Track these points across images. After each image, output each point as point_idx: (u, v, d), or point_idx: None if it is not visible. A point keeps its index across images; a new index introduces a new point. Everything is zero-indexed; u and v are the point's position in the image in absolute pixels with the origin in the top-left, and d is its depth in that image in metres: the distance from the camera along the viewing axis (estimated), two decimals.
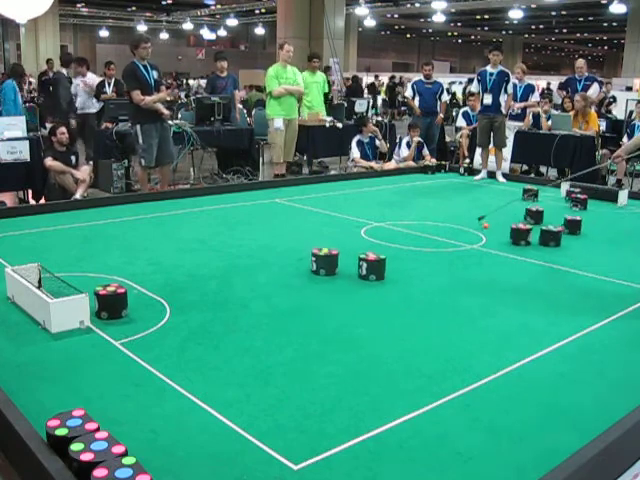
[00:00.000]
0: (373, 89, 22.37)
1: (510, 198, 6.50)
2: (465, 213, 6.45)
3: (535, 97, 10.23)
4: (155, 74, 7.16)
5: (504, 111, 8.40)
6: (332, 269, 4.31)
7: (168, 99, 7.68)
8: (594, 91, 9.67)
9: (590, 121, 9.35)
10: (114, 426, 2.29)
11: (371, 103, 13.51)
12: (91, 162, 7.46)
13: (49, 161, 7.00)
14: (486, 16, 33.48)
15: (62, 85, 10.14)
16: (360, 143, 9.06)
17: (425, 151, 9.48)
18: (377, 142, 9.21)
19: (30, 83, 21.59)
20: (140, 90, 6.95)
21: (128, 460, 2.00)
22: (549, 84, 24.80)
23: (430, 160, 9.35)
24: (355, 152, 9.06)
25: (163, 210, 6.23)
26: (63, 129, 7.21)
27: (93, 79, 10.21)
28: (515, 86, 10.21)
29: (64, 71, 10.70)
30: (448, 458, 2.28)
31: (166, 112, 7.24)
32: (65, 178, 7.01)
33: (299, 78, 8.98)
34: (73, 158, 7.22)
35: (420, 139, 9.43)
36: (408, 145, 9.35)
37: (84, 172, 7.18)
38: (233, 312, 3.63)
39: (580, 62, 10.05)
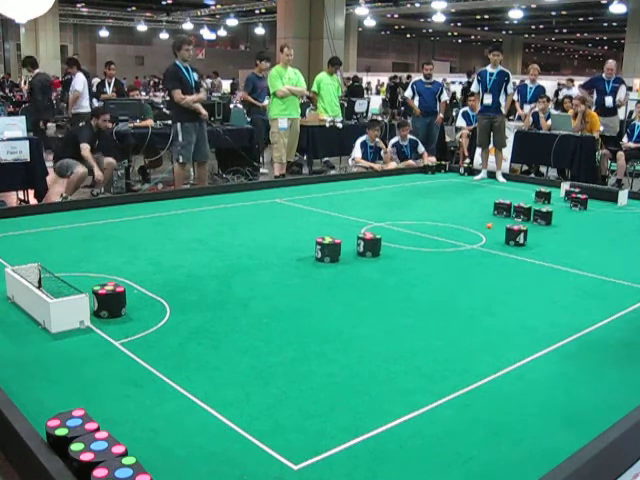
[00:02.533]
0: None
1: (510, 198, 6.50)
2: (465, 213, 6.46)
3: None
4: (195, 76, 7.34)
5: (504, 111, 8.40)
6: (335, 256, 4.58)
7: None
8: (623, 93, 9.54)
9: (591, 122, 9.33)
10: (114, 426, 2.29)
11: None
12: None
13: (86, 151, 7.04)
14: (486, 16, 33.47)
15: (36, 87, 10.02)
16: (364, 144, 9.05)
17: (420, 149, 9.46)
18: (382, 153, 9.18)
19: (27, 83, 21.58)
20: (181, 90, 7.10)
21: (128, 460, 2.00)
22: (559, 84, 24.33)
23: (429, 159, 9.36)
24: (357, 152, 9.05)
25: (163, 210, 6.24)
26: (107, 116, 7.34)
27: (76, 81, 10.06)
28: (526, 87, 10.23)
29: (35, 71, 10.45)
30: (448, 458, 2.28)
31: (204, 112, 7.35)
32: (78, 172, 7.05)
33: (301, 79, 8.99)
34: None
35: (412, 137, 9.43)
36: (395, 146, 9.32)
37: (101, 173, 7.21)
38: (233, 312, 3.63)
39: (612, 63, 9.71)
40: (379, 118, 11.87)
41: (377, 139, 9.01)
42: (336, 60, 10.31)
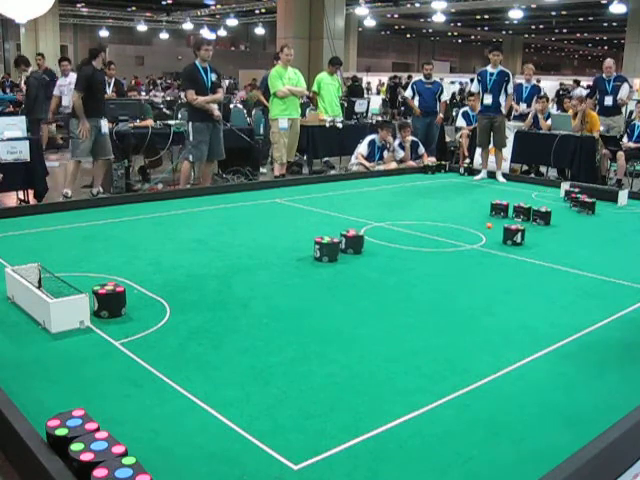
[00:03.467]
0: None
1: (510, 198, 6.51)
2: (465, 213, 6.46)
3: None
4: (213, 76, 7.37)
5: (504, 111, 8.40)
6: (334, 256, 4.59)
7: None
8: (625, 92, 9.39)
9: (590, 122, 9.33)
10: (114, 426, 2.29)
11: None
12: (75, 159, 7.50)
13: (77, 98, 7.03)
14: (486, 16, 33.45)
15: (32, 85, 10.07)
16: (372, 143, 9.08)
17: (420, 150, 9.49)
18: (385, 152, 9.21)
19: None
20: (195, 90, 7.15)
21: (128, 460, 2.00)
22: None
23: (429, 160, 9.36)
24: (363, 149, 9.08)
25: (163, 210, 6.24)
26: (103, 55, 7.35)
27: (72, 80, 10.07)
28: (521, 86, 10.22)
29: (29, 69, 10.50)
30: (448, 458, 2.28)
31: (217, 113, 7.37)
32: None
33: (301, 79, 9.00)
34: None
35: (414, 138, 9.45)
36: (401, 146, 9.36)
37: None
38: (233, 312, 3.63)
39: (609, 62, 9.56)
40: (379, 118, 11.87)
41: (383, 140, 9.08)
42: (336, 60, 10.32)
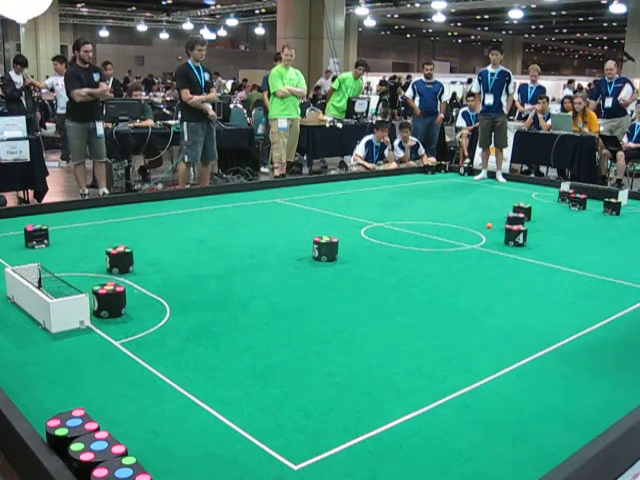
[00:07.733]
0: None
1: (510, 198, 6.50)
2: (465, 213, 6.46)
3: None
4: (207, 76, 7.38)
5: (505, 111, 8.40)
6: (333, 255, 4.59)
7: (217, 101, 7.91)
8: (627, 93, 9.34)
9: (590, 122, 9.33)
10: (114, 426, 2.29)
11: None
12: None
13: (80, 96, 7.02)
14: (486, 16, 33.46)
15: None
16: (369, 144, 9.09)
17: (421, 150, 9.50)
18: (386, 152, 9.22)
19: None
20: (190, 90, 7.15)
21: (128, 460, 2.00)
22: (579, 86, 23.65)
23: (429, 160, 9.36)
24: (360, 150, 9.08)
25: (163, 210, 6.24)
26: (89, 47, 7.33)
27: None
28: (526, 87, 10.24)
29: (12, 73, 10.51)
30: (448, 458, 2.28)
31: (212, 112, 7.36)
32: None
33: (302, 80, 9.00)
34: (96, 76, 7.28)
35: (415, 139, 9.45)
36: (401, 146, 9.36)
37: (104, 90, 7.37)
38: (233, 312, 3.63)
39: (610, 64, 9.48)
40: (379, 118, 11.87)
41: (381, 139, 9.08)
42: (361, 62, 10.52)
